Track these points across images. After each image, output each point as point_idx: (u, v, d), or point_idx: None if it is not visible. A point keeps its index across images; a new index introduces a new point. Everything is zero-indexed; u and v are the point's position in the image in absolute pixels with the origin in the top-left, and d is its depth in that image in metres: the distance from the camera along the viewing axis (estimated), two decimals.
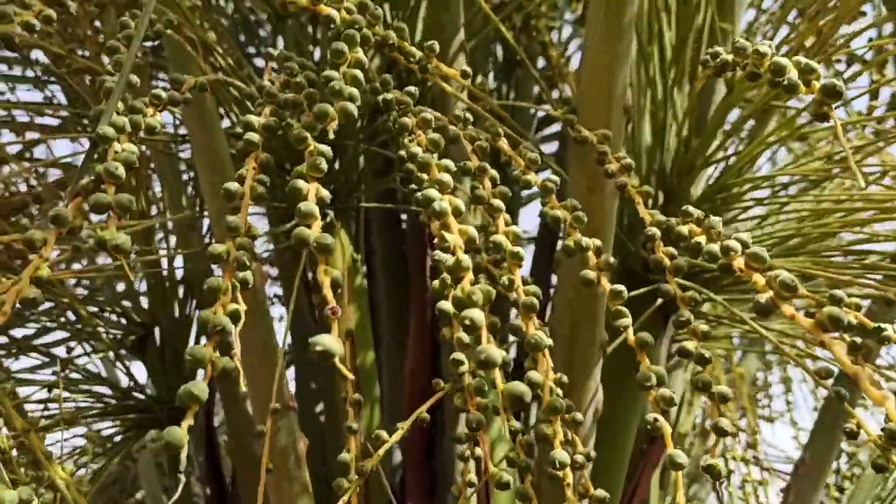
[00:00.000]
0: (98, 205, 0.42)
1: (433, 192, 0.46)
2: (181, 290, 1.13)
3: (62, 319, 1.10)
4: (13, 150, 1.23)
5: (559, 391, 0.51)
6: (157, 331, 1.12)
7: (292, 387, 1.19)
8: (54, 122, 1.22)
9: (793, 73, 0.43)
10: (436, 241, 0.45)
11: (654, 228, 0.56)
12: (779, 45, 0.90)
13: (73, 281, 1.16)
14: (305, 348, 1.20)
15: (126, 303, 1.13)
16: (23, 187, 1.24)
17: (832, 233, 0.83)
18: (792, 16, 1.04)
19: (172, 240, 1.14)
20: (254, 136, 0.51)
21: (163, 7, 0.63)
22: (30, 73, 1.21)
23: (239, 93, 0.84)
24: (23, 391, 1.03)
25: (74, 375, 1.10)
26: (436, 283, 0.46)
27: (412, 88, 0.57)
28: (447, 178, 0.48)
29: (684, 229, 0.53)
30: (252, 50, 1.25)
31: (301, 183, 0.45)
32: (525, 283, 0.51)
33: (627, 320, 0.52)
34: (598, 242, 0.55)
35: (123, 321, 1.13)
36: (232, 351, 0.43)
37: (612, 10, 0.65)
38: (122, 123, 0.47)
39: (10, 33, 0.50)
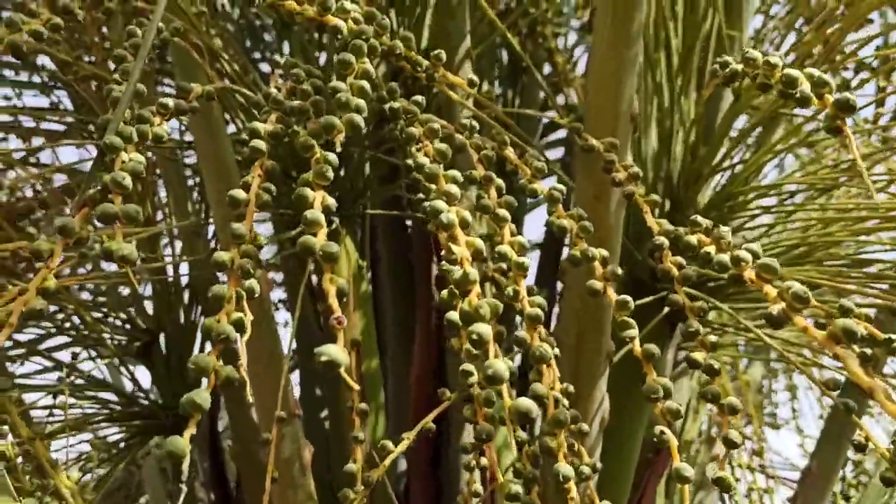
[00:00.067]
0: (105, 215, 0.42)
1: (441, 204, 0.46)
2: (186, 296, 1.13)
3: (67, 325, 1.10)
4: (18, 155, 1.23)
5: (565, 402, 0.51)
6: (162, 337, 1.12)
7: (297, 392, 1.19)
8: (60, 127, 1.22)
9: (805, 86, 0.43)
10: (443, 252, 0.45)
11: (663, 238, 0.55)
12: (786, 52, 0.90)
13: (77, 286, 1.16)
14: (310, 355, 1.20)
15: (131, 309, 1.13)
16: (28, 192, 1.24)
17: (838, 241, 0.82)
18: (799, 23, 1.04)
19: (178, 245, 1.14)
20: (260, 144, 0.51)
21: (169, 15, 0.64)
22: (36, 79, 1.21)
23: (245, 100, 0.84)
24: (27, 397, 1.03)
25: (79, 381, 1.10)
26: (444, 293, 0.46)
27: (419, 98, 0.57)
28: (455, 189, 0.48)
29: (693, 239, 0.53)
30: (257, 55, 1.25)
31: (307, 191, 0.45)
32: (531, 293, 0.51)
33: (634, 331, 0.51)
34: (604, 252, 0.55)
35: (128, 327, 1.12)
36: (238, 361, 0.43)
37: (619, 17, 0.64)
38: (129, 133, 0.47)
39: (18, 42, 0.50)
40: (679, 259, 0.55)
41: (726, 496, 1.31)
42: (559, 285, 1.19)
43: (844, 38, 0.81)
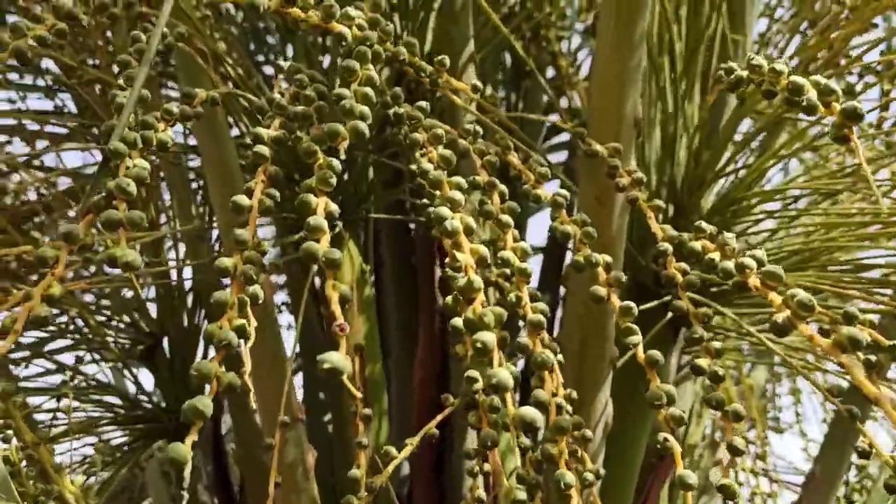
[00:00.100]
0: (110, 222, 0.42)
1: (445, 211, 0.46)
2: (190, 300, 1.13)
3: (71, 328, 1.10)
4: (22, 158, 1.24)
5: (568, 408, 0.51)
6: (165, 340, 1.12)
7: (300, 394, 1.18)
8: (64, 130, 1.22)
9: (811, 94, 0.43)
10: (447, 259, 0.45)
11: (667, 244, 0.55)
12: (790, 56, 0.90)
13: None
14: (313, 358, 1.20)
15: (134, 312, 1.13)
16: (32, 195, 1.24)
17: (841, 247, 0.82)
18: (804, 26, 1.04)
19: (181, 248, 1.14)
20: (263, 149, 0.51)
21: (174, 20, 0.64)
22: (40, 82, 1.21)
23: (249, 104, 0.84)
24: (31, 400, 1.04)
25: (83, 384, 1.10)
26: (448, 299, 0.46)
27: (423, 104, 0.57)
28: (459, 195, 0.48)
29: (697, 245, 0.53)
30: (261, 58, 1.25)
31: (310, 197, 0.45)
32: (533, 299, 0.51)
33: (638, 338, 0.51)
34: (608, 258, 0.55)
35: (132, 330, 1.13)
36: (242, 368, 0.43)
37: (623, 21, 0.64)
38: (134, 139, 0.47)
39: (23, 48, 0.50)
40: (683, 265, 0.55)
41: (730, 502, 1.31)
42: (562, 289, 1.20)
43: (849, 42, 0.81)
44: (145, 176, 0.45)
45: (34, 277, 1.10)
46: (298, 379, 1.23)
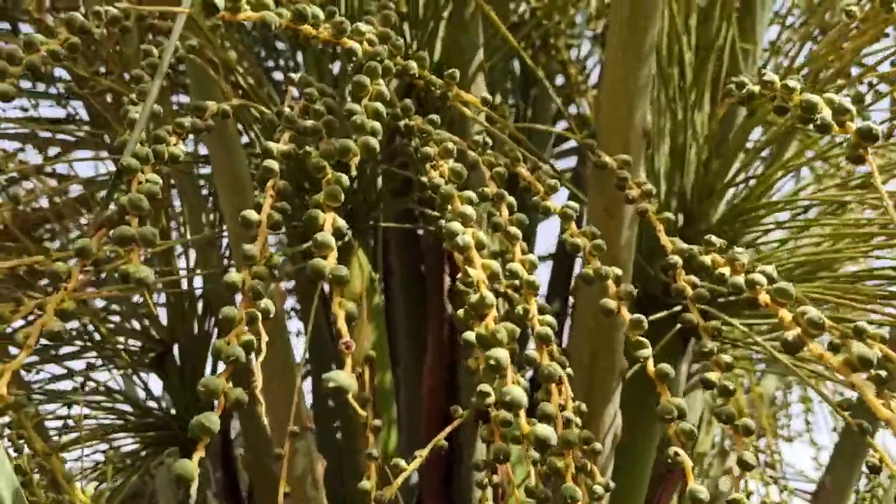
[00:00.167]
0: (122, 238, 0.42)
1: (457, 226, 0.46)
2: (200, 307, 1.14)
3: (85, 336, 1.11)
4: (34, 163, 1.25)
5: (578, 421, 0.51)
6: (175, 348, 1.12)
7: (309, 399, 1.19)
8: (76, 137, 1.23)
9: (825, 113, 0.43)
10: (459, 275, 0.45)
11: (676, 257, 0.55)
12: (801, 66, 0.90)
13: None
14: (323, 364, 1.21)
15: (145, 319, 1.13)
16: (44, 202, 1.25)
17: (851, 257, 0.82)
18: (815, 33, 1.03)
19: (192, 256, 1.15)
20: (272, 164, 0.51)
21: (185, 32, 0.64)
22: (52, 90, 1.22)
23: (260, 114, 0.84)
24: (41, 407, 1.04)
25: (94, 391, 1.11)
26: (460, 312, 0.46)
27: (434, 117, 0.57)
28: (470, 210, 0.48)
29: (707, 259, 0.53)
30: (271, 64, 1.25)
31: (318, 213, 0.45)
32: (542, 311, 0.51)
33: (648, 351, 0.51)
34: (617, 271, 0.55)
35: (142, 337, 1.13)
36: (253, 382, 0.43)
37: (632, 32, 0.64)
38: (146, 154, 0.47)
39: (36, 63, 0.50)
40: (693, 278, 0.55)
41: None
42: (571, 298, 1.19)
43: (860, 52, 0.80)
44: (157, 191, 0.45)
45: (43, 282, 1.11)
46: (307, 384, 1.24)
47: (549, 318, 0.50)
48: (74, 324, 1.13)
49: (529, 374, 1.06)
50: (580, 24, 1.35)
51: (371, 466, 0.60)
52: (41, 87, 1.23)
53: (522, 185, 0.63)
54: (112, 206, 0.45)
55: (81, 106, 1.23)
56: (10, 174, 1.21)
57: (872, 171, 0.42)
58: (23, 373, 1.10)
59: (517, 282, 0.51)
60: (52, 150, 1.26)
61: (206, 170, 1.14)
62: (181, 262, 1.17)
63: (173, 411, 1.12)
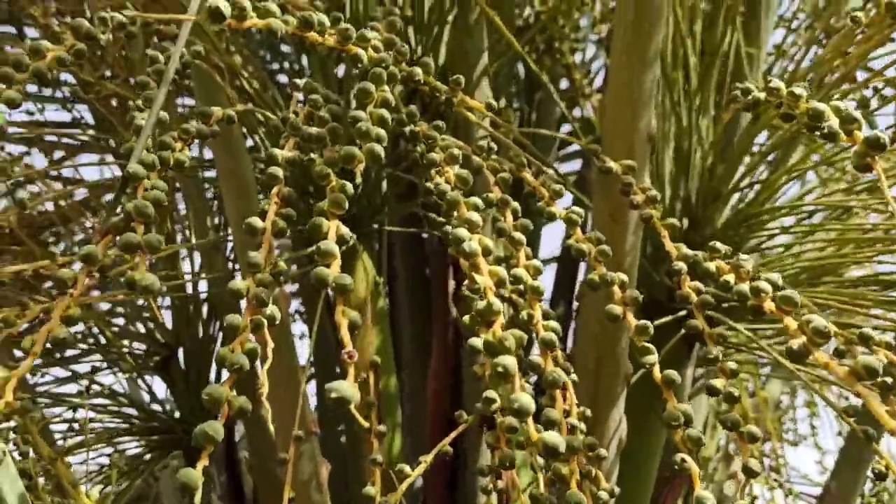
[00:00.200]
0: (128, 245, 0.42)
1: (463, 232, 0.46)
2: (205, 310, 1.14)
3: (90, 339, 1.11)
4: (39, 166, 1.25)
5: (582, 427, 0.51)
6: (180, 351, 1.12)
7: (313, 403, 1.19)
8: (81, 141, 1.23)
9: (833, 121, 0.43)
10: (466, 282, 0.45)
11: (681, 262, 0.55)
12: (807, 70, 0.90)
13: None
14: (327, 367, 1.21)
15: (150, 323, 1.13)
16: (49, 205, 1.25)
17: (856, 262, 0.82)
18: (821, 37, 1.03)
19: (196, 259, 1.15)
20: (277, 171, 0.51)
21: (191, 37, 0.64)
22: (58, 94, 1.22)
23: (265, 118, 0.85)
24: (47, 410, 1.04)
25: (99, 394, 1.11)
26: (466, 318, 0.46)
27: (440, 123, 0.57)
28: (476, 217, 0.48)
29: (711, 266, 0.53)
30: (275, 66, 1.25)
31: (322, 220, 0.45)
32: (546, 317, 0.51)
33: (654, 357, 0.51)
34: (623, 277, 0.55)
35: (147, 340, 1.13)
36: (258, 389, 0.43)
37: (637, 37, 0.64)
38: (152, 160, 0.47)
39: (43, 69, 0.51)
40: (698, 284, 0.55)
41: None
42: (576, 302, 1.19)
43: (866, 57, 0.80)
44: (163, 198, 0.45)
45: (48, 285, 1.11)
46: (311, 387, 1.24)
47: (553, 323, 0.50)
48: (79, 327, 1.13)
49: (534, 379, 1.06)
50: (584, 28, 1.35)
51: (375, 471, 0.60)
52: (46, 90, 1.24)
53: (527, 189, 0.63)
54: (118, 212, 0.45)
55: (87, 110, 1.23)
56: (16, 178, 1.21)
57: (879, 176, 0.42)
58: (27, 376, 1.11)
59: (521, 287, 0.51)
60: (58, 154, 1.26)
61: (210, 173, 1.15)
62: (186, 266, 1.17)
63: (178, 415, 1.12)
